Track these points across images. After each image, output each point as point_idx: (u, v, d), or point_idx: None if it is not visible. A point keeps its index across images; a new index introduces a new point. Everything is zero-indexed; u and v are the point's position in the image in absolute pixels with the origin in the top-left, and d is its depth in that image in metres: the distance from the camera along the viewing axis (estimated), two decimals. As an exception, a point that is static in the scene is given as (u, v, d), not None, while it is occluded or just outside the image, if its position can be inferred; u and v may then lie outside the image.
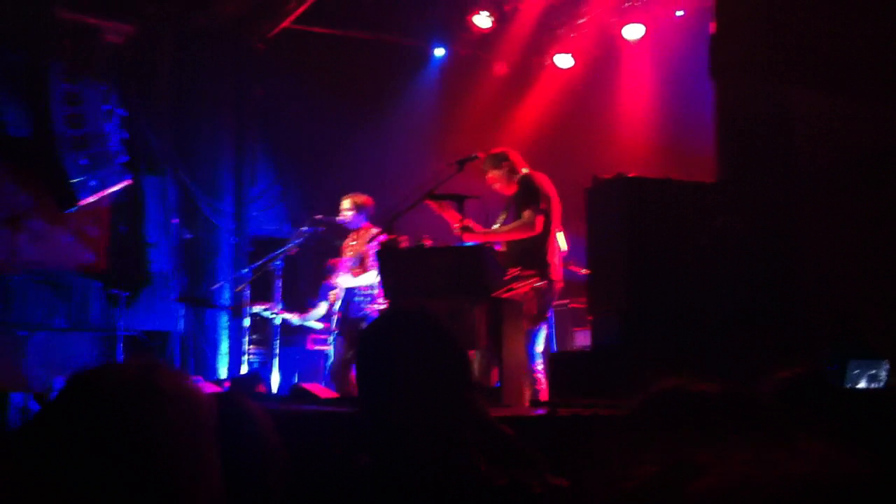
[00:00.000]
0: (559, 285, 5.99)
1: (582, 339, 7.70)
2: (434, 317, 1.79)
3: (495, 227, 6.03)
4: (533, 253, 5.80)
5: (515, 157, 6.19)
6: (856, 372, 4.13)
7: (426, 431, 1.64)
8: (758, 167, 4.49)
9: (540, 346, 5.83)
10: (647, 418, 1.78)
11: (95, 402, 1.24)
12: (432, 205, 5.80)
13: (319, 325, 7.29)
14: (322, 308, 7.16)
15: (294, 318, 7.27)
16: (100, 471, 1.19)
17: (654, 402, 1.82)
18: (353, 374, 6.46)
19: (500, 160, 6.14)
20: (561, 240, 6.14)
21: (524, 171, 6.09)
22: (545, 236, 5.84)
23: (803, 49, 4.19)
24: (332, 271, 7.25)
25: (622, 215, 4.85)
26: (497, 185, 6.17)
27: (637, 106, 8.99)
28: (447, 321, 1.79)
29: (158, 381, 1.28)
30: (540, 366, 5.77)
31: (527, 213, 5.79)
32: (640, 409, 1.83)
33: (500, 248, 6.02)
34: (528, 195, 5.85)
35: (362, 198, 7.05)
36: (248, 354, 7.74)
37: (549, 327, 6.24)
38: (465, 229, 5.59)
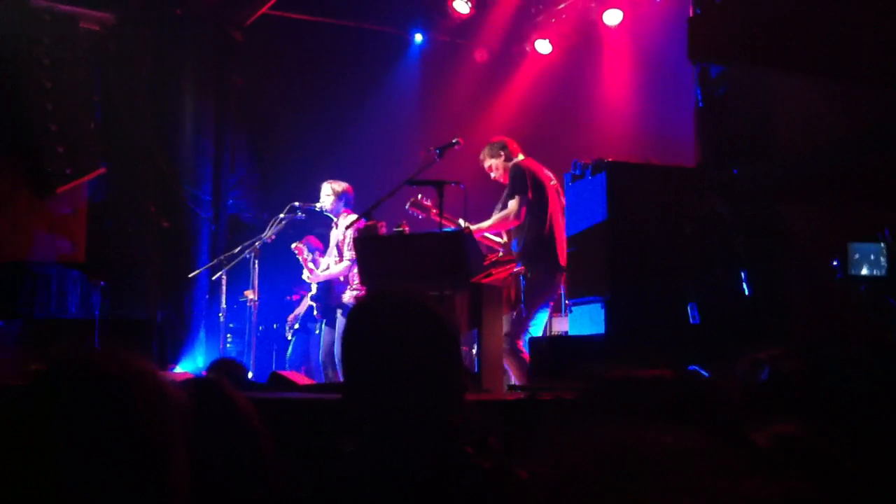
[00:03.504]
0: (562, 272, 5.88)
1: (560, 325, 7.68)
2: (424, 300, 1.77)
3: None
4: (532, 241, 5.79)
5: (513, 145, 6.20)
6: (856, 257, 4.11)
7: (414, 415, 1.62)
8: (739, 152, 4.49)
9: (537, 332, 5.79)
10: (596, 402, 1.77)
11: (62, 393, 1.24)
12: (416, 210, 5.82)
13: (311, 304, 7.23)
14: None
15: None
16: (66, 461, 1.19)
17: (604, 387, 1.81)
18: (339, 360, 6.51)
19: (497, 149, 6.16)
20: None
21: (518, 158, 6.08)
22: (541, 224, 5.81)
23: (782, 31, 4.18)
24: (309, 248, 7.23)
25: (604, 200, 4.84)
26: (495, 174, 6.20)
27: (618, 91, 8.99)
28: (437, 304, 1.77)
29: (124, 371, 1.27)
30: (522, 352, 5.75)
31: (511, 203, 5.81)
32: (589, 393, 1.81)
33: (503, 238, 6.03)
34: (513, 185, 5.87)
35: (341, 185, 7.02)
36: (226, 343, 7.70)
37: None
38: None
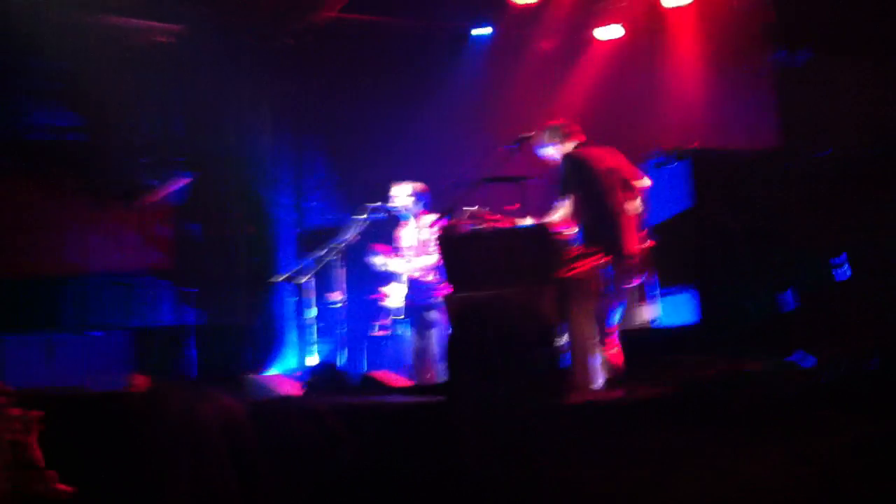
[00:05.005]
0: (632, 261, 5.72)
1: (645, 314, 7.60)
2: (529, 300, 1.83)
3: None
4: (597, 230, 5.66)
5: (570, 129, 5.95)
6: None
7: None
8: (823, 136, 4.40)
9: (615, 323, 5.68)
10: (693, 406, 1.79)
11: (137, 424, 1.27)
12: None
13: (400, 304, 7.27)
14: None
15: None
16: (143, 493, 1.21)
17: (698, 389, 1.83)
18: (432, 361, 6.57)
19: (551, 135, 5.97)
20: (637, 203, 5.81)
21: (569, 147, 5.89)
22: (597, 215, 5.67)
23: (867, 20, 4.09)
24: (373, 253, 7.29)
25: (690, 187, 4.79)
26: (552, 162, 6.02)
27: (687, 74, 8.86)
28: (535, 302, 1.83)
29: (166, 407, 1.30)
30: (615, 345, 5.63)
31: (564, 203, 5.60)
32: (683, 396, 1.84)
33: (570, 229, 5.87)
34: (565, 182, 5.65)
35: (419, 185, 7.09)
36: (316, 344, 7.84)
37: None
38: None
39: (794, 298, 4.06)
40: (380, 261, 7.29)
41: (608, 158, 5.88)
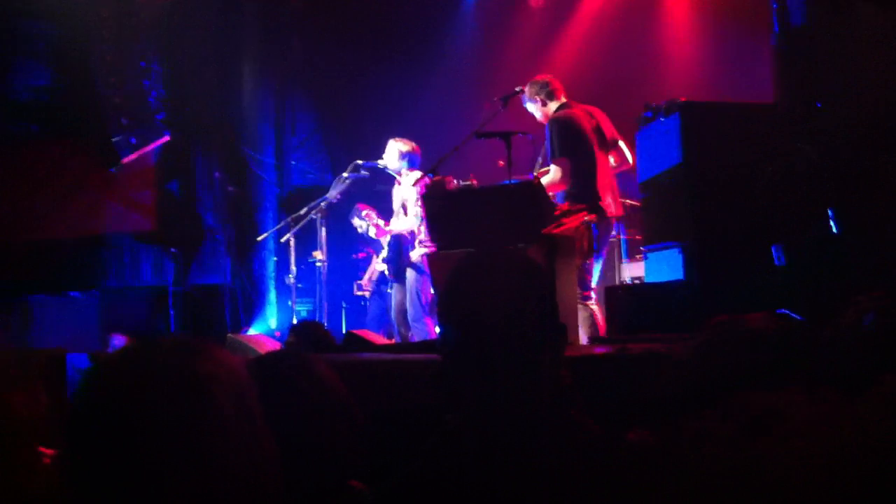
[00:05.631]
0: (613, 218, 5.84)
1: (630, 271, 7.56)
2: (524, 257, 1.70)
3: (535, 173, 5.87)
4: (581, 187, 5.65)
5: (554, 85, 5.95)
6: None
7: (520, 375, 1.54)
8: (821, 91, 4.26)
9: (594, 281, 5.74)
10: (704, 361, 1.69)
11: (130, 391, 1.13)
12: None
13: (384, 267, 7.20)
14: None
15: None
16: (141, 465, 1.10)
17: (710, 343, 1.72)
18: (417, 318, 6.49)
19: (534, 92, 5.95)
20: (624, 153, 5.92)
21: (554, 107, 5.87)
22: (583, 176, 5.66)
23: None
24: (357, 213, 7.19)
25: (679, 142, 4.66)
26: (537, 117, 6.03)
27: (686, 30, 8.69)
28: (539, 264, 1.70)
29: (200, 366, 1.18)
30: (593, 302, 5.68)
31: (552, 167, 5.63)
32: (696, 351, 1.73)
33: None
34: (553, 145, 5.68)
35: (408, 144, 6.94)
36: (297, 303, 7.76)
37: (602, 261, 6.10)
38: None
39: (784, 255, 3.96)
40: (357, 223, 7.19)
41: (592, 117, 5.89)
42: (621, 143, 5.93)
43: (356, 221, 7.27)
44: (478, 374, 1.56)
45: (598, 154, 5.77)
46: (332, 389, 1.74)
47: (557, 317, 1.64)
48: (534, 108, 5.98)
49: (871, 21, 4.06)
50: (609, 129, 5.93)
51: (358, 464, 1.69)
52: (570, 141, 5.67)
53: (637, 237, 7.08)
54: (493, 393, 1.55)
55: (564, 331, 1.63)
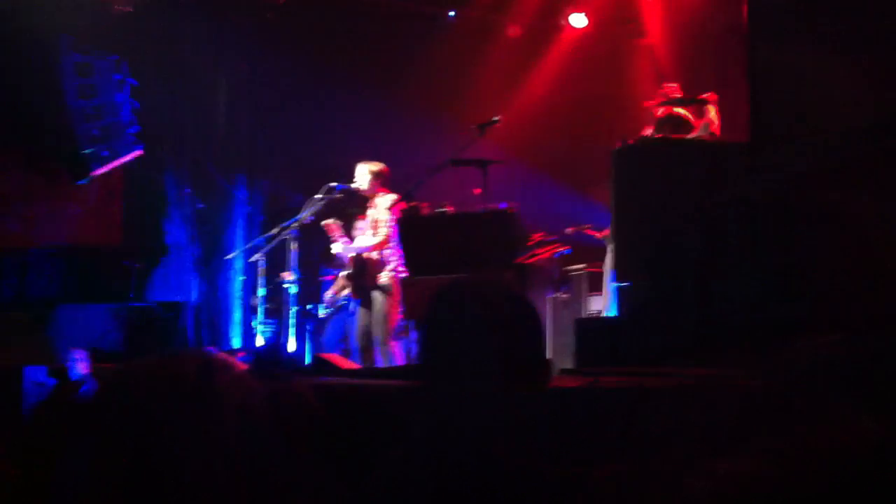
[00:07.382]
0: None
1: (595, 304, 7.57)
2: (510, 286, 1.68)
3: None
4: None
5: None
6: None
7: (494, 405, 1.52)
8: (790, 131, 4.30)
9: None
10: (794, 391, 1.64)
11: (148, 396, 1.19)
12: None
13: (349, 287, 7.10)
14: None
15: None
16: (153, 470, 1.13)
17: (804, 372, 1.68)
18: (375, 342, 6.44)
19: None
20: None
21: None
22: None
23: (845, 8, 3.99)
24: (329, 235, 7.12)
25: (644, 180, 4.68)
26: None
27: (658, 64, 8.79)
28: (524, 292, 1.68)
29: (215, 376, 1.23)
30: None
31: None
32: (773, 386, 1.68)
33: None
34: None
35: (377, 165, 6.92)
36: (262, 324, 7.66)
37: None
38: None
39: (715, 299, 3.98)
40: (334, 245, 7.11)
41: None
42: None
43: (332, 246, 7.17)
44: (454, 403, 1.54)
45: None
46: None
47: (544, 351, 1.62)
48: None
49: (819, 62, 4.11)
50: None
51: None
52: None
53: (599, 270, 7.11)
54: (459, 423, 1.52)
55: (549, 366, 1.62)
